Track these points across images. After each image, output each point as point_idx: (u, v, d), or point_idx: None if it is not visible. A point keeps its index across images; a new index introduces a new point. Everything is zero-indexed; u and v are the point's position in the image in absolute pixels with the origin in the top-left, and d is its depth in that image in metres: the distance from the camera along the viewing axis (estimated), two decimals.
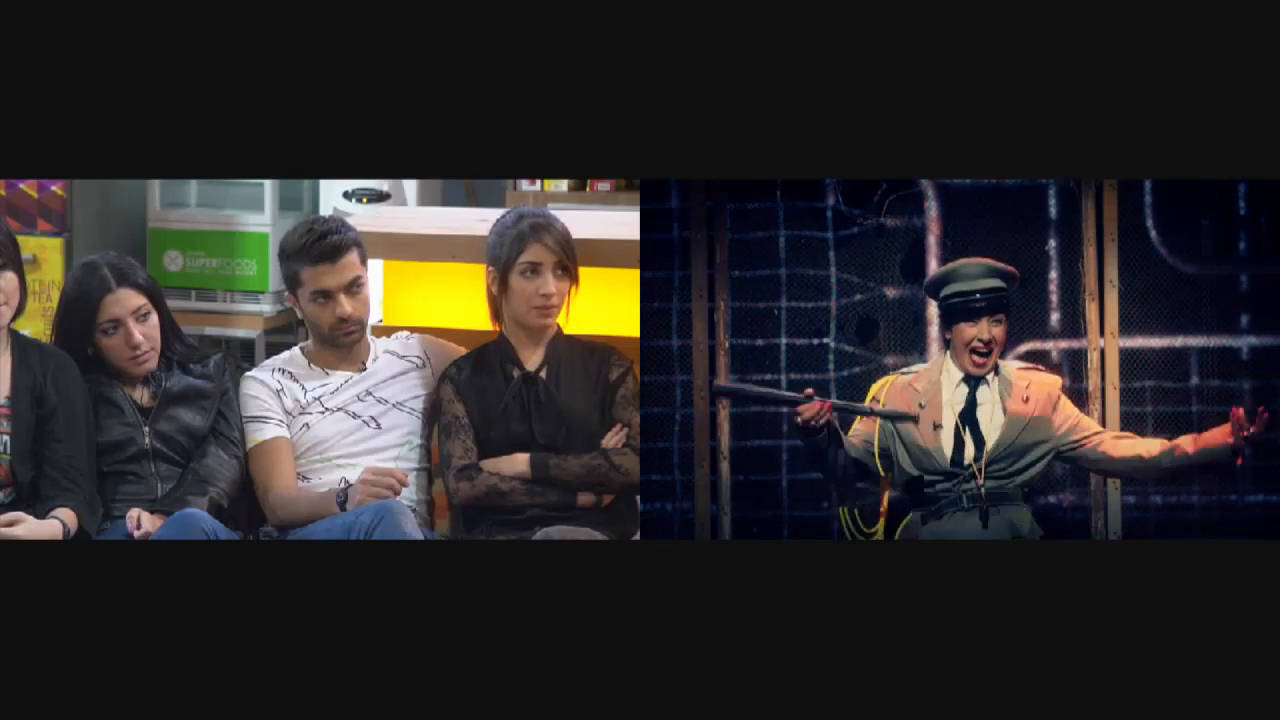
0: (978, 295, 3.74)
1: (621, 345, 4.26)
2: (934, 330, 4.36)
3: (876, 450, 3.80)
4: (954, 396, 3.78)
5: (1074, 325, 4.35)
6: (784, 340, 4.40)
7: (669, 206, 4.40)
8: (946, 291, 3.76)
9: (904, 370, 3.88)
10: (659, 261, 4.36)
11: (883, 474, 3.82)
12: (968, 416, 3.77)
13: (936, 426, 3.77)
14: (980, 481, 3.74)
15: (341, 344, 4.22)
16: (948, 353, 3.81)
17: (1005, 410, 3.76)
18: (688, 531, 4.36)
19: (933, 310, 4.40)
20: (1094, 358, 4.31)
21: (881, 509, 3.86)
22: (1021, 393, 3.77)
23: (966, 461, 3.74)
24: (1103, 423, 4.17)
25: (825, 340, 4.40)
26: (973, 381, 3.78)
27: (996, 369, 3.79)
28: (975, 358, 3.76)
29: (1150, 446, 3.75)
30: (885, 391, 3.83)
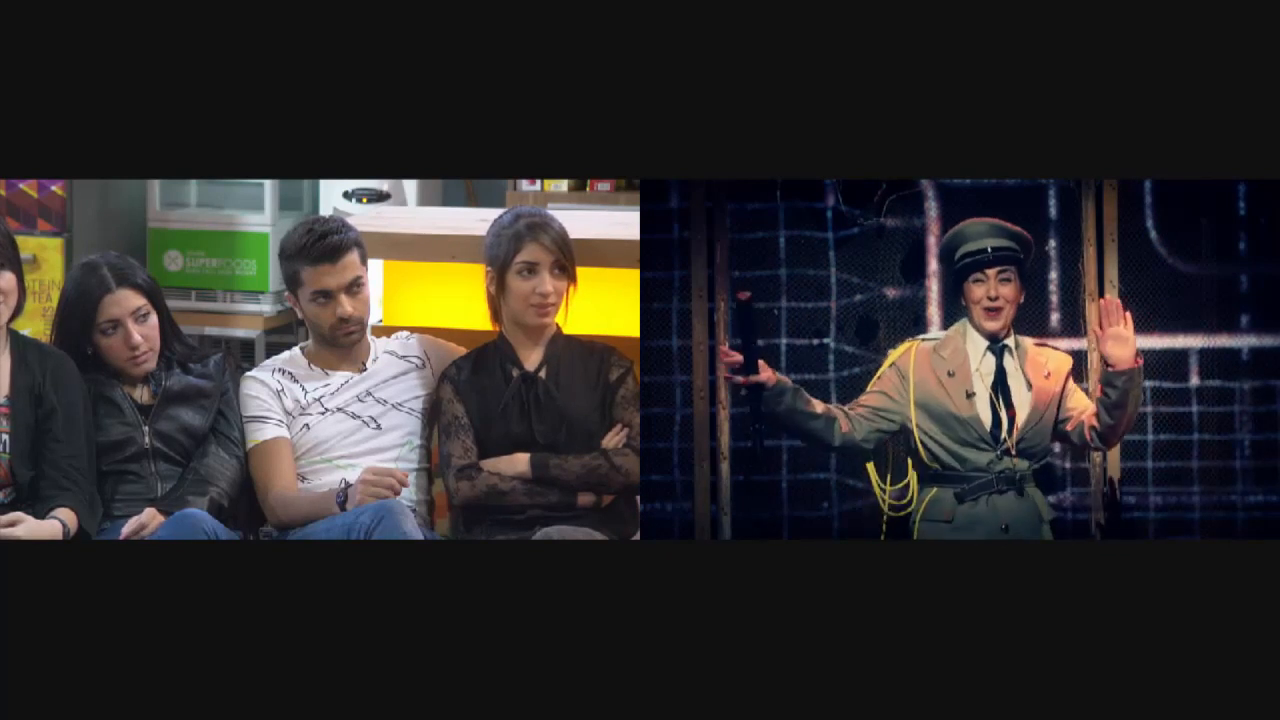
0: (988, 251, 3.76)
1: (621, 345, 4.26)
2: (934, 329, 4.35)
3: (914, 406, 3.80)
4: (983, 365, 3.80)
5: (1074, 325, 4.35)
6: (784, 340, 4.40)
7: (669, 206, 4.39)
8: (959, 254, 3.79)
9: (925, 337, 3.89)
10: (659, 261, 4.36)
11: (901, 456, 3.83)
12: (1000, 386, 3.78)
13: (969, 394, 3.77)
14: (1014, 456, 3.76)
15: (342, 344, 4.23)
16: (965, 320, 3.84)
17: (1030, 385, 3.78)
18: (688, 531, 4.35)
19: (933, 310, 4.39)
20: (1094, 358, 4.31)
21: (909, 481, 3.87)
22: (1043, 368, 3.80)
23: (1002, 436, 3.76)
24: None
25: (825, 340, 4.40)
26: (997, 350, 3.79)
27: (1015, 339, 3.81)
28: (988, 313, 3.77)
29: (1091, 413, 3.77)
30: (910, 358, 3.83)
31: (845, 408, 3.85)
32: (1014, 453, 3.76)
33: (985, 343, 3.81)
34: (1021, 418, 3.76)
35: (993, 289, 3.77)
